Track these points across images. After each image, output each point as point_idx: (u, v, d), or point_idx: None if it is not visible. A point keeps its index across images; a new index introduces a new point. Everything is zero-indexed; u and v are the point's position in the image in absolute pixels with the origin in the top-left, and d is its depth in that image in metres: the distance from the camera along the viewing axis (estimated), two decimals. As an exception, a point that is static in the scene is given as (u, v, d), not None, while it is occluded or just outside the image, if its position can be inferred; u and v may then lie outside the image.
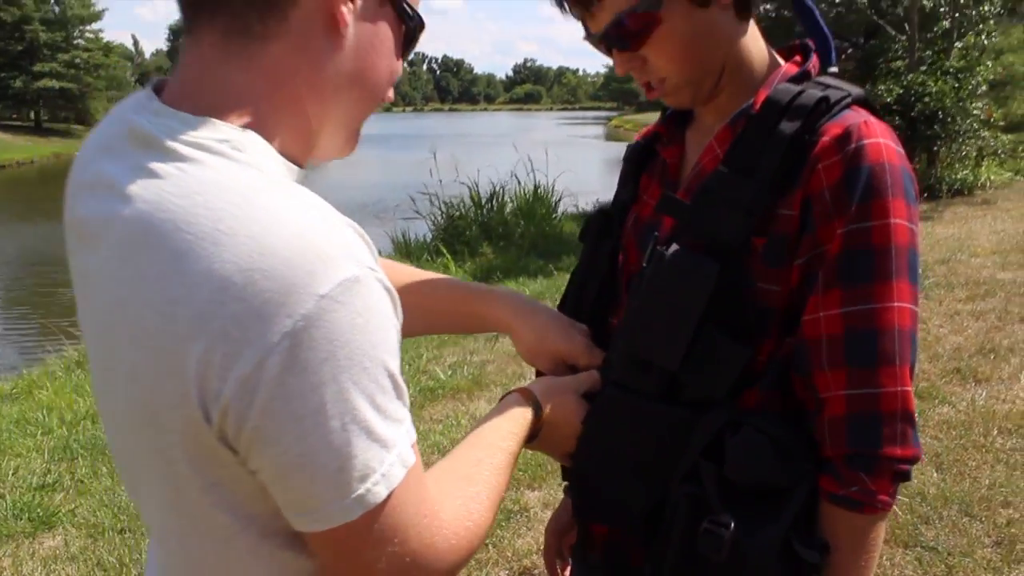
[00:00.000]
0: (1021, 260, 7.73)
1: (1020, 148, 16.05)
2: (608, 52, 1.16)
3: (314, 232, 0.73)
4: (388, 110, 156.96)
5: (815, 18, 1.17)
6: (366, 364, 0.74)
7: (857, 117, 1.06)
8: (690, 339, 1.07)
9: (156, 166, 0.76)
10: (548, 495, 3.81)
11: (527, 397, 1.13)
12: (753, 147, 1.08)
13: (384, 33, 0.88)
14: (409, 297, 1.00)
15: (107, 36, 66.02)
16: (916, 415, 1.05)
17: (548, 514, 3.56)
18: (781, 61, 1.19)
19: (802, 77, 1.13)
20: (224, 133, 0.78)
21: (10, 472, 4.46)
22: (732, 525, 1.02)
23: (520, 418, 1.08)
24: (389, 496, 0.76)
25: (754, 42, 1.17)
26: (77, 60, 55.86)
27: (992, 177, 13.47)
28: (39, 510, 3.98)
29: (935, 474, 3.67)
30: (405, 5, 0.89)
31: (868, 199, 1.02)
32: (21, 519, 3.90)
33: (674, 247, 1.09)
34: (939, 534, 3.23)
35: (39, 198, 26.39)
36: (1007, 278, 7.04)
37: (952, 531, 3.25)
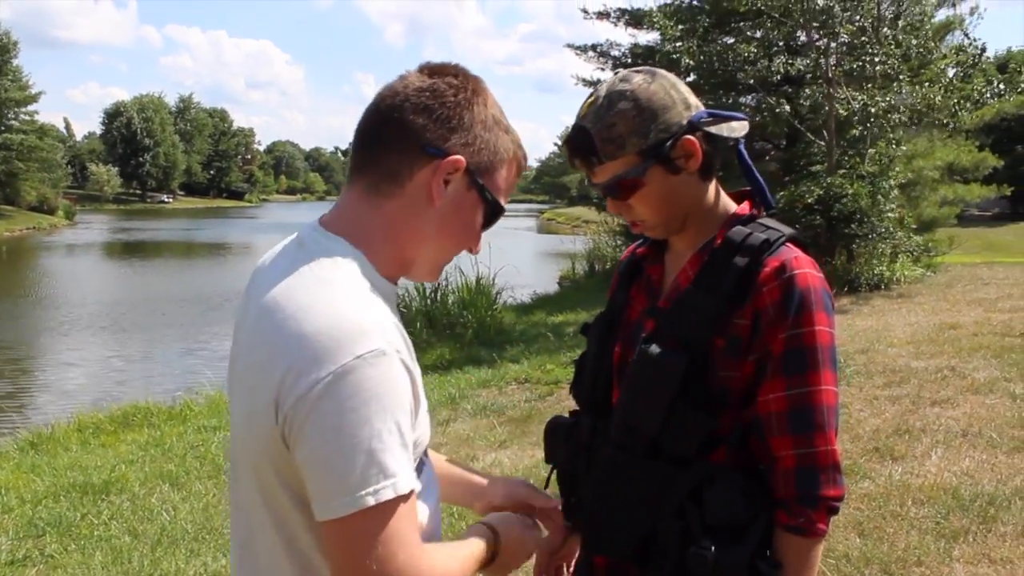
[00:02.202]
0: (933, 350, 8.32)
1: (931, 245, 17.09)
2: (602, 198, 1.61)
3: (363, 316, 1.14)
4: (322, 199, 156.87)
5: (754, 173, 1.61)
6: (381, 412, 1.10)
7: (790, 253, 1.49)
8: (666, 412, 1.48)
9: (297, 262, 1.22)
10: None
11: (487, 528, 1.46)
12: (715, 273, 1.51)
13: (467, 207, 1.31)
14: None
15: (40, 119, 65.48)
16: (841, 465, 1.47)
17: None
18: (734, 205, 1.62)
19: (749, 220, 1.57)
20: (343, 248, 1.24)
21: (-22, 548, 4.52)
22: (713, 549, 1.42)
23: (478, 546, 1.41)
24: (379, 507, 1.08)
25: (714, 191, 1.60)
26: (10, 142, 55.22)
27: (907, 273, 14.35)
28: (14, 583, 4.08)
29: (857, 539, 4.06)
30: (487, 193, 1.32)
31: (800, 312, 1.45)
32: (-3, 591, 4.00)
33: (653, 346, 1.50)
34: (862, 592, 3.58)
35: (-34, 280, 25.88)
36: (920, 366, 7.59)
37: (873, 589, 3.61)
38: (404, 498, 1.11)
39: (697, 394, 1.47)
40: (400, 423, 1.12)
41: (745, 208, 1.62)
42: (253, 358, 1.19)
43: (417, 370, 1.21)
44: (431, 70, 1.30)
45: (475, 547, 1.39)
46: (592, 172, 1.55)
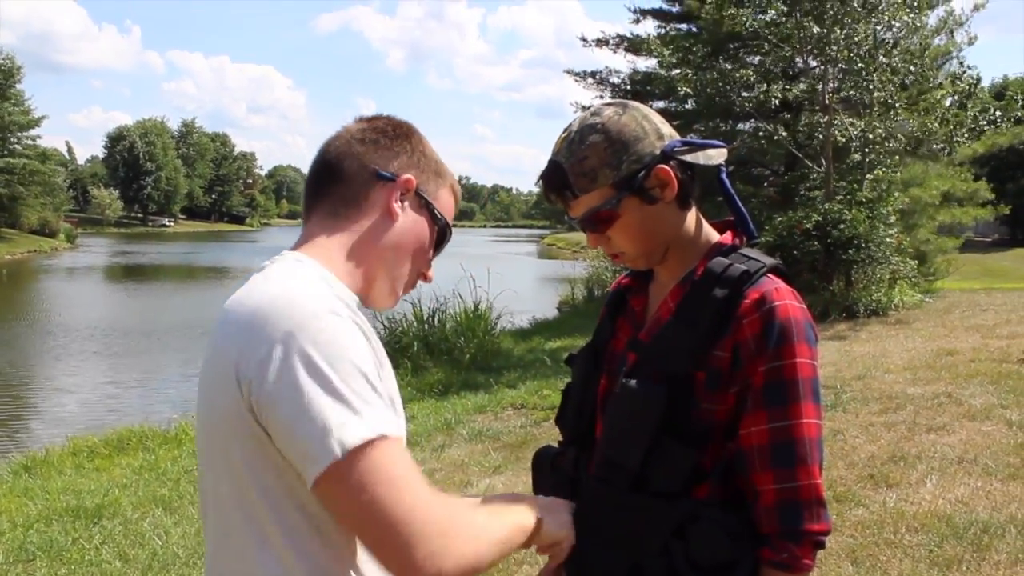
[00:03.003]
0: (930, 376, 8.31)
1: (932, 270, 17.11)
2: (583, 229, 1.59)
3: (315, 290, 1.20)
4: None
5: (735, 202, 1.61)
6: (340, 359, 1.13)
7: (771, 284, 1.49)
8: (648, 446, 1.47)
9: (260, 273, 1.29)
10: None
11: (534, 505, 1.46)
12: (695, 306, 1.51)
13: (421, 226, 1.41)
14: None
15: (42, 143, 65.78)
16: (825, 499, 1.46)
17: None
18: (716, 235, 1.62)
19: (731, 250, 1.56)
20: (308, 262, 1.30)
21: (-31, 572, 4.52)
22: None
23: (527, 517, 1.41)
24: (360, 451, 1.09)
25: (695, 221, 1.60)
26: (12, 166, 55.44)
27: (904, 299, 14.35)
28: (4, 607, 4.06)
29: (851, 567, 4.04)
30: (436, 212, 1.43)
31: (780, 345, 1.44)
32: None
33: (633, 380, 1.50)
34: (854, 620, 3.56)
35: (-34, 303, 25.89)
36: (916, 392, 7.58)
37: (866, 618, 3.59)
38: (388, 441, 1.13)
39: (680, 427, 1.46)
40: (364, 371, 1.15)
41: (727, 238, 1.61)
42: (212, 354, 1.23)
43: (376, 340, 1.25)
44: (366, 119, 1.45)
45: (524, 517, 1.39)
46: (568, 206, 1.55)
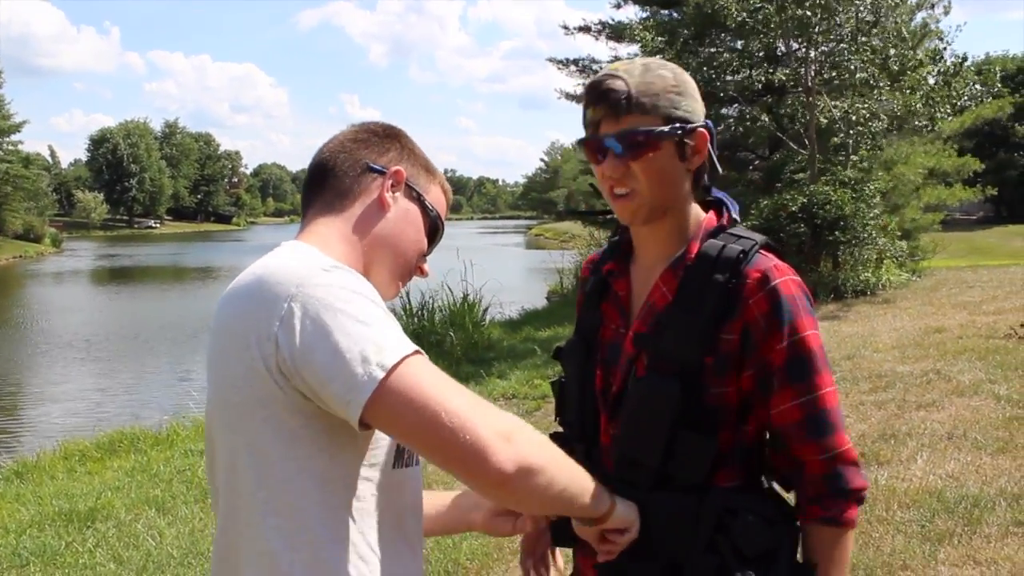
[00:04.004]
0: (918, 354, 8.36)
1: (917, 251, 17.17)
2: (602, 154, 1.51)
3: (315, 260, 1.25)
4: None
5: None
6: (355, 299, 1.19)
7: (768, 262, 1.50)
8: (667, 440, 1.48)
9: (262, 259, 1.32)
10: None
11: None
12: (695, 292, 1.50)
13: (413, 216, 1.47)
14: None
15: (24, 147, 65.37)
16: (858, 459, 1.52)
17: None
18: (703, 213, 1.60)
19: (719, 231, 1.55)
20: (295, 244, 1.36)
21: (-39, 579, 4.50)
22: (753, 574, 1.44)
23: (602, 496, 1.40)
24: (403, 363, 1.14)
25: (691, 199, 1.59)
26: (-6, 172, 55.12)
27: (892, 278, 14.42)
28: (-2, 613, 4.04)
29: (844, 545, 4.06)
30: (427, 203, 1.49)
31: (790, 321, 1.47)
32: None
33: (644, 377, 1.51)
34: (848, 597, 3.58)
35: (-48, 311, 25.76)
36: (905, 370, 7.62)
37: (860, 595, 3.62)
38: (422, 356, 1.19)
39: (695, 417, 1.47)
40: (376, 301, 1.22)
41: (713, 219, 1.60)
42: (219, 332, 1.27)
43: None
44: (358, 124, 1.52)
45: (592, 484, 1.36)
46: (612, 120, 1.49)
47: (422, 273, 1.52)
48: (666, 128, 1.48)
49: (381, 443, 1.30)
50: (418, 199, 1.48)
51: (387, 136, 1.49)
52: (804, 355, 1.47)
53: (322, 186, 1.44)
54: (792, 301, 1.47)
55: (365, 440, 1.27)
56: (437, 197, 1.52)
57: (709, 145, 1.54)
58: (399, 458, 1.34)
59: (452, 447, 1.13)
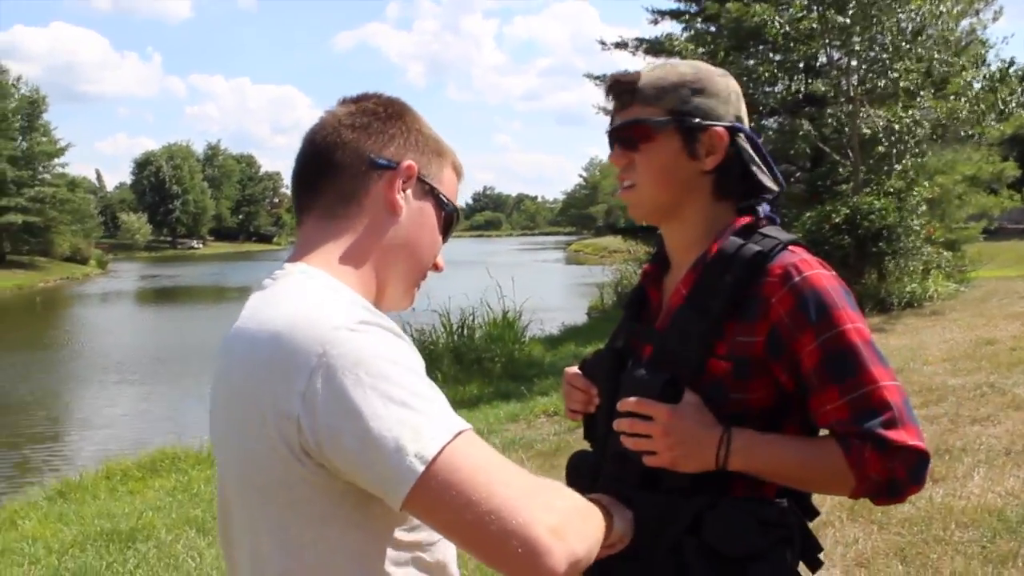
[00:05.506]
0: (970, 366, 8.12)
1: (966, 260, 16.82)
2: (611, 145, 1.53)
3: (333, 307, 1.08)
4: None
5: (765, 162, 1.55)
6: (387, 367, 1.03)
7: (792, 257, 1.40)
8: None
9: (262, 292, 1.19)
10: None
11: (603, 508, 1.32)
12: (706, 291, 1.43)
13: (428, 214, 1.29)
14: None
15: (71, 171, 66.76)
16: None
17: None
18: (736, 216, 1.51)
19: (748, 230, 1.46)
20: (303, 268, 1.19)
21: (4, 600, 4.52)
22: None
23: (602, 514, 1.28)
24: (441, 453, 0.99)
25: (720, 202, 1.51)
26: (42, 195, 56.25)
27: (939, 289, 14.09)
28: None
29: (900, 567, 3.90)
30: (442, 196, 1.30)
31: (822, 316, 1.35)
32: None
33: (640, 370, 1.44)
34: (907, 622, 3.43)
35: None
36: (958, 383, 7.40)
37: (919, 619, 3.46)
38: (464, 436, 1.03)
39: None
40: (413, 368, 1.06)
41: (744, 220, 1.51)
42: (230, 393, 1.13)
43: (408, 340, 1.12)
44: (352, 99, 1.31)
45: (603, 521, 1.26)
46: (619, 112, 1.51)
47: (437, 269, 1.35)
48: (665, 120, 1.44)
49: None
50: (431, 192, 1.29)
51: (390, 117, 1.28)
52: (845, 350, 1.34)
53: (320, 186, 1.25)
54: (823, 293, 1.36)
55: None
56: (450, 182, 1.34)
57: (750, 151, 1.47)
58: None
59: (500, 553, 1.00)
